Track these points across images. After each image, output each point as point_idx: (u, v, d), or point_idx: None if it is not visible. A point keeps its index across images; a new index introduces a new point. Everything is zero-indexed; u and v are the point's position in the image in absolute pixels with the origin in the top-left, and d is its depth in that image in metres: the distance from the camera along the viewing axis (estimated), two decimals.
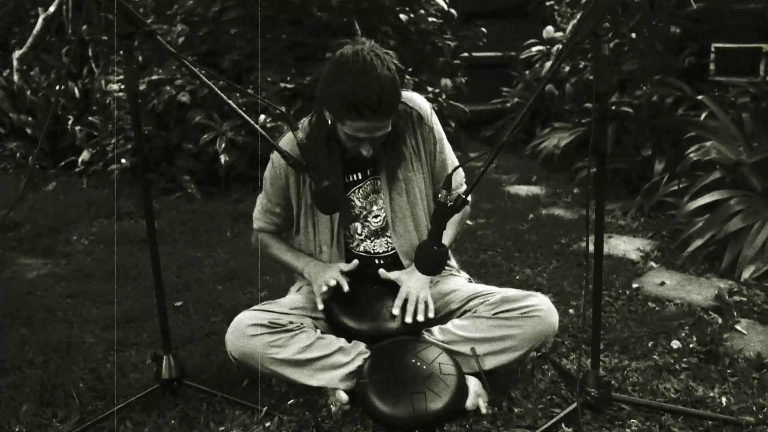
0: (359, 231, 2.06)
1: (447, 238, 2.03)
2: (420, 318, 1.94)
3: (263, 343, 1.84)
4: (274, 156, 2.00)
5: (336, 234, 2.03)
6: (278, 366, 1.85)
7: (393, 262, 2.08)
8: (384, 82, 1.73)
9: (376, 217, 2.05)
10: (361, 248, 2.07)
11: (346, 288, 1.95)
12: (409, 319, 1.93)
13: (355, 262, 2.02)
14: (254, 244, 2.21)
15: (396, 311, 1.95)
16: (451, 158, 2.10)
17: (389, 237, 2.06)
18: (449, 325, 1.96)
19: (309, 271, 2.05)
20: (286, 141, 1.97)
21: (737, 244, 2.88)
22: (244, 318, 1.89)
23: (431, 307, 1.98)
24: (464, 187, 2.16)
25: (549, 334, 1.93)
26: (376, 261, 2.07)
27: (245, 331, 1.85)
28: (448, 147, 2.10)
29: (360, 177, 2.04)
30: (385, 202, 2.03)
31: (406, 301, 1.97)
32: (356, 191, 2.04)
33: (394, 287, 2.03)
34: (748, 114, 3.52)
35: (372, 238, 2.07)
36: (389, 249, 2.07)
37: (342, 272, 1.99)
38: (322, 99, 1.85)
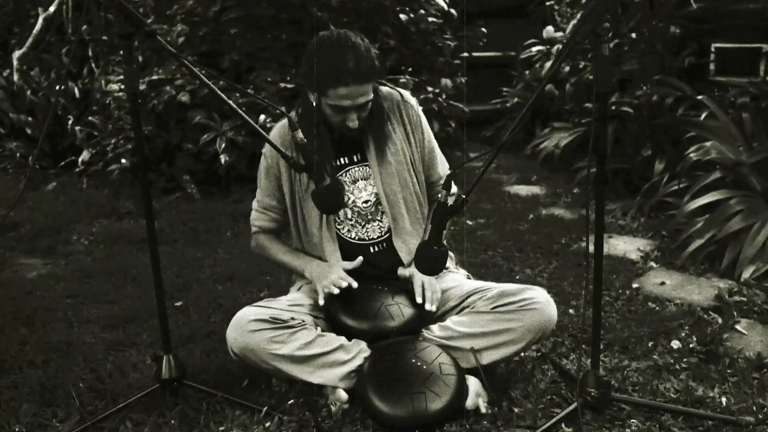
0: (349, 216, 2.06)
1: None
2: (428, 307, 1.96)
3: (264, 339, 1.84)
4: (266, 149, 2.06)
5: (325, 216, 2.03)
6: (279, 362, 1.85)
7: (388, 247, 2.08)
8: (358, 48, 1.85)
9: (366, 202, 2.06)
10: (353, 234, 2.07)
11: (355, 285, 1.95)
12: (430, 306, 1.95)
13: (360, 259, 2.02)
14: (254, 249, 2.22)
15: (419, 299, 1.97)
16: (437, 149, 2.17)
17: (380, 221, 2.07)
18: (448, 322, 1.97)
19: (311, 271, 2.05)
20: (275, 134, 2.04)
21: (737, 244, 2.88)
22: (246, 313, 1.88)
23: (438, 297, 2.00)
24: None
25: (548, 326, 1.93)
26: (371, 248, 2.07)
27: (246, 326, 1.85)
28: (434, 138, 2.16)
29: (347, 161, 2.06)
30: (377, 184, 2.05)
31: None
32: (343, 175, 2.06)
33: (393, 286, 2.04)
34: (748, 114, 3.52)
35: (362, 223, 2.07)
36: (383, 234, 2.08)
37: (346, 271, 1.99)
38: (305, 79, 1.93)
